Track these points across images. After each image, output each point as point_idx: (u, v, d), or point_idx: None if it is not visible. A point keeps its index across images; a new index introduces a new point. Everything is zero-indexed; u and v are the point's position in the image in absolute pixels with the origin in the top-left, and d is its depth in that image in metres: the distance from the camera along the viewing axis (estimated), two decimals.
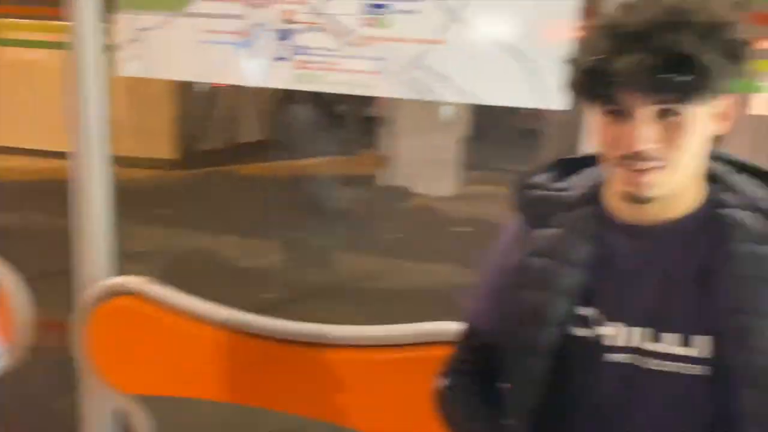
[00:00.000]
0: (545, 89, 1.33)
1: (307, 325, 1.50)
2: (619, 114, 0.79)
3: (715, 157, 0.89)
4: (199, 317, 1.56)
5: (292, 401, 1.55)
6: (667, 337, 0.85)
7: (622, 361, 0.87)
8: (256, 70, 1.55)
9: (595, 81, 0.77)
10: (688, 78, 0.73)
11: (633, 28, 0.74)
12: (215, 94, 8.04)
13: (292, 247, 4.94)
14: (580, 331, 0.89)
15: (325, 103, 8.71)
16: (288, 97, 8.23)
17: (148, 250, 4.58)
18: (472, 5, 1.35)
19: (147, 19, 1.58)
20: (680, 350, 0.84)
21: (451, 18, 1.36)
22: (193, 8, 1.54)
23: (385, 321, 1.51)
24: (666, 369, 0.85)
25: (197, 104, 7.76)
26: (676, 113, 0.77)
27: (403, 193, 6.67)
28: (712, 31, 0.74)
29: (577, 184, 0.94)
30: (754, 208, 0.84)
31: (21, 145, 7.20)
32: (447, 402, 1.01)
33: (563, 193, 0.93)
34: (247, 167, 7.68)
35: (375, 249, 4.98)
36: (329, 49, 1.46)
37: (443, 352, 1.36)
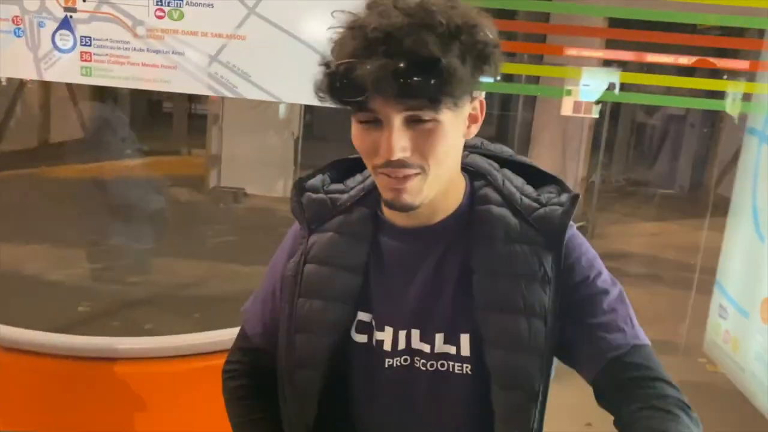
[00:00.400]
0: None
1: (95, 339, 1.38)
2: (371, 121, 0.76)
3: (482, 150, 0.91)
4: None
5: (88, 424, 1.43)
6: (434, 336, 0.84)
7: (397, 364, 0.86)
8: (35, 61, 1.40)
9: (343, 86, 0.74)
10: (432, 81, 0.70)
11: (378, 31, 0.71)
12: (19, 89, 7.23)
13: (110, 254, 4.60)
14: (360, 337, 0.88)
15: (150, 101, 8.22)
16: (108, 93, 7.66)
17: None
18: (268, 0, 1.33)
19: None
20: (446, 348, 0.84)
21: (248, 12, 1.33)
22: None
23: (213, 328, 1.44)
24: (436, 369, 0.85)
25: None
26: (427, 120, 0.74)
27: (236, 194, 6.49)
28: (456, 33, 0.72)
29: (354, 186, 0.91)
30: (512, 205, 0.84)
31: None
32: (227, 405, 0.97)
33: (339, 196, 0.91)
34: (60, 168, 7.00)
35: (204, 254, 4.79)
36: (118, 41, 1.37)
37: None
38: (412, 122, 0.75)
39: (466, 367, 0.84)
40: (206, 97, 7.06)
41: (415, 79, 0.70)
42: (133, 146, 7.08)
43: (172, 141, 8.17)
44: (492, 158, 0.91)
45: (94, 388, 1.37)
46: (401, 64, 0.70)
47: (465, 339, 0.84)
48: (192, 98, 8.37)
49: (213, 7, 1.34)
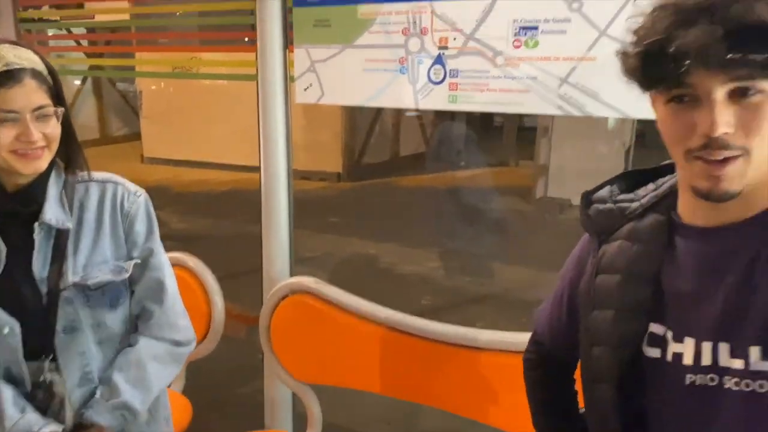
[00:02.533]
0: None
1: (461, 329, 1.61)
2: (686, 100, 0.71)
3: None
4: (363, 315, 1.74)
5: (446, 399, 1.68)
6: (749, 350, 0.74)
7: (700, 382, 0.77)
8: (413, 93, 1.71)
9: (657, 63, 0.69)
10: (765, 51, 0.64)
11: (696, 3, 0.67)
12: (378, 112, 8.47)
13: (449, 255, 5.09)
14: (652, 352, 0.82)
15: (482, 116, 8.79)
16: (445, 111, 8.42)
17: (321, 254, 5.00)
18: (620, 20, 1.39)
19: (320, 51, 1.81)
20: (762, 365, 0.73)
21: (599, 34, 1.42)
22: (359, 41, 1.74)
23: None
24: (746, 388, 0.74)
25: (361, 122, 8.24)
26: (755, 92, 0.67)
27: (561, 205, 6.53)
28: None
29: (645, 194, 0.87)
30: None
31: (213, 160, 8.19)
32: (526, 391, 1.08)
33: (628, 204, 0.87)
34: (407, 179, 7.98)
35: (530, 260, 4.96)
36: (479, 71, 1.58)
37: None
38: (736, 96, 0.68)
39: None
40: None
41: (743, 48, 0.64)
42: (468, 158, 7.67)
43: (502, 153, 8.59)
44: None
45: (459, 371, 1.61)
46: (727, 33, 0.64)
47: None
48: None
49: (566, 33, 1.46)
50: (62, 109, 1.11)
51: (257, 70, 1.88)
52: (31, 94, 1.05)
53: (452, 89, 1.64)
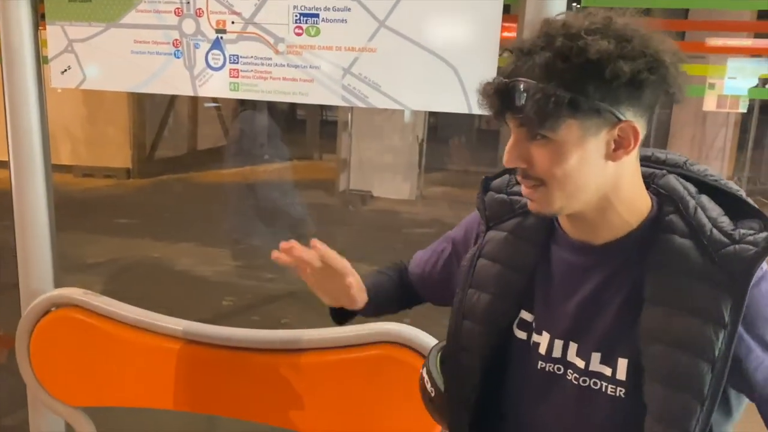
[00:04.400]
0: (471, 95, 1.38)
1: (246, 331, 1.52)
2: None
3: (684, 170, 0.86)
4: (140, 326, 1.56)
5: (240, 407, 1.57)
6: (591, 354, 0.85)
7: (549, 369, 0.89)
8: (190, 79, 1.56)
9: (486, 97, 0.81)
10: (516, 103, 0.75)
11: (513, 52, 0.79)
12: (171, 102, 7.95)
13: (251, 253, 4.93)
14: (520, 334, 0.93)
15: (286, 108, 8.70)
16: (246, 103, 8.18)
17: (106, 260, 4.54)
18: (398, 12, 1.39)
19: (79, 29, 1.59)
20: (601, 368, 0.84)
21: (379, 25, 1.40)
22: (126, 19, 1.55)
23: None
24: (588, 385, 0.86)
25: (152, 112, 7.67)
26: (539, 136, 0.78)
27: (364, 197, 6.71)
28: (563, 59, 0.74)
29: None
30: (698, 237, 0.79)
31: None
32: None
33: (519, 198, 0.94)
34: (206, 174, 7.61)
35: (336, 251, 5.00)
36: (261, 57, 1.49)
37: (383, 352, 1.42)
38: (530, 137, 0.79)
39: (620, 390, 0.83)
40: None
41: (502, 99, 0.77)
42: (270, 152, 7.53)
43: (306, 146, 8.59)
44: (693, 180, 0.85)
45: (252, 376, 1.52)
46: (502, 85, 0.77)
47: (623, 363, 0.83)
48: (323, 106, 8.76)
49: (346, 22, 1.42)
50: None
51: (0, 49, 1.59)
52: None
53: (233, 76, 1.53)
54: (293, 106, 10.17)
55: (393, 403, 1.42)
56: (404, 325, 1.46)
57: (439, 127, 9.27)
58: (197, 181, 7.46)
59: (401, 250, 5.11)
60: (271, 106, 8.27)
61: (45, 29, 1.62)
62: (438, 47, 1.39)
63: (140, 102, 7.22)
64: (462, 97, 1.40)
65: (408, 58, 1.41)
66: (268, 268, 4.64)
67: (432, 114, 7.76)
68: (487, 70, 1.37)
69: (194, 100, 8.25)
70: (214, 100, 8.41)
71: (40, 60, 1.63)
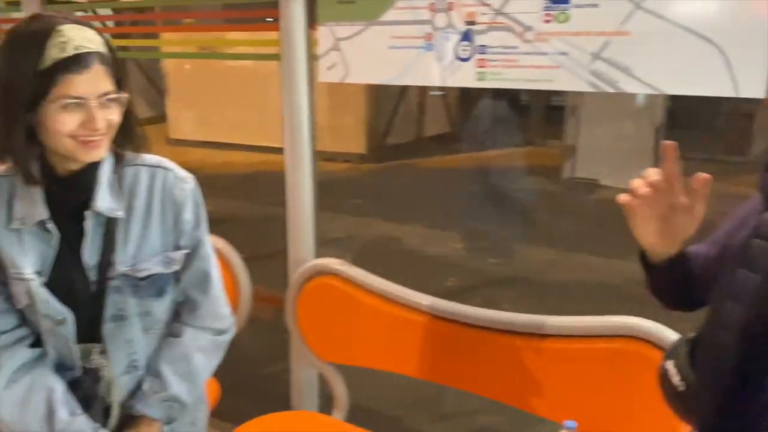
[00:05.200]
0: (739, 77, 1.28)
1: (487, 311, 1.59)
2: None
3: None
4: (388, 297, 1.73)
5: (471, 381, 1.66)
6: None
7: None
8: (440, 70, 1.67)
9: None
10: None
11: None
12: (402, 92, 8.39)
13: (473, 237, 5.05)
14: None
15: (509, 95, 8.68)
16: (470, 90, 8.32)
17: (344, 236, 5.00)
18: None
19: (345, 29, 1.78)
20: None
21: (635, 8, 1.36)
22: (384, 17, 1.70)
23: (560, 312, 1.55)
24: None
25: (386, 102, 8.18)
26: None
27: (590, 185, 6.43)
28: None
29: None
30: None
31: (237, 142, 8.23)
32: None
33: None
34: (431, 160, 7.93)
35: (556, 242, 4.90)
36: (508, 46, 1.53)
37: (625, 346, 1.40)
38: None
39: None
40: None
41: None
42: (494, 138, 7.58)
43: (529, 133, 8.48)
44: None
45: (487, 354, 1.60)
46: None
47: None
48: (551, 90, 8.56)
49: (598, 6, 1.40)
50: (126, 95, 1.07)
51: (280, 49, 1.85)
52: (98, 80, 1.01)
53: (480, 66, 1.60)
54: (517, 92, 10.07)
55: (633, 399, 1.39)
56: (648, 320, 1.41)
57: (679, 112, 8.48)
58: (423, 166, 7.80)
59: (631, 243, 4.81)
60: (497, 93, 8.31)
61: (315, 30, 1.84)
62: (701, 27, 1.30)
63: (375, 93, 7.75)
64: (727, 79, 1.30)
65: (665, 40, 1.34)
66: (492, 252, 4.72)
67: (671, 98, 7.13)
68: (758, 49, 1.25)
69: (423, 90, 8.60)
70: (441, 88, 8.69)
71: (311, 58, 1.86)
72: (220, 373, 2.02)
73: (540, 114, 8.77)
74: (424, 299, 1.68)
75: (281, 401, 2.08)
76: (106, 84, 1.03)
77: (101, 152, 1.07)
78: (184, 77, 8.93)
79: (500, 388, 1.61)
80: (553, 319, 1.51)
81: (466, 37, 1.60)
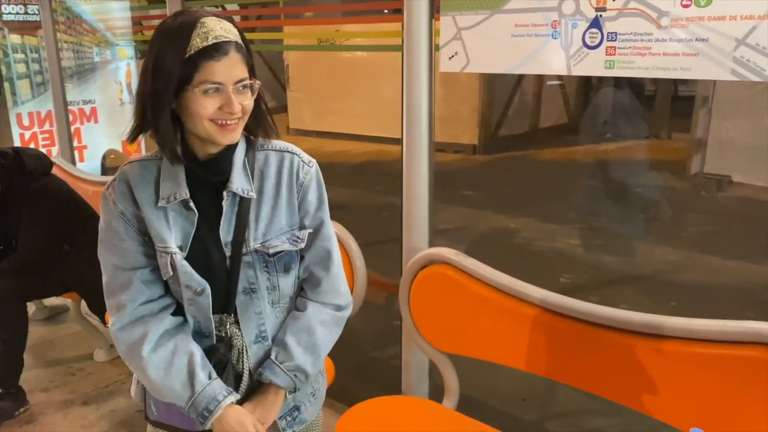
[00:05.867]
0: None
1: (606, 309, 1.54)
2: None
3: None
4: (502, 289, 1.71)
5: (584, 379, 1.61)
6: None
7: None
8: (565, 59, 1.62)
9: None
10: None
11: None
12: (518, 82, 8.20)
13: (591, 233, 4.86)
14: None
15: (632, 84, 8.23)
16: (591, 79, 7.99)
17: (454, 227, 5.00)
18: None
19: (467, 18, 1.77)
20: None
21: None
22: (509, 5, 1.68)
23: (683, 316, 1.47)
24: None
25: (500, 92, 8.03)
26: None
27: (720, 182, 5.98)
28: None
29: None
30: None
31: (353, 132, 8.43)
32: None
33: None
34: (547, 151, 7.70)
35: (681, 242, 4.61)
36: (641, 33, 1.46)
37: (754, 354, 1.30)
38: None
39: None
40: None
41: None
42: (614, 130, 7.23)
43: (653, 124, 8.01)
44: None
45: (605, 353, 1.55)
46: None
47: None
48: (678, 80, 8.02)
49: None
50: (258, 82, 1.15)
51: (402, 40, 1.88)
52: (234, 67, 1.09)
53: (609, 54, 1.54)
54: (642, 82, 9.53)
55: (763, 412, 1.29)
56: None
57: None
58: (538, 158, 7.60)
59: (765, 245, 4.44)
60: (619, 83, 7.91)
61: (438, 20, 1.85)
62: None
63: (490, 82, 7.64)
64: None
65: None
66: (610, 249, 4.53)
67: None
68: None
69: (540, 79, 8.36)
70: (559, 77, 8.40)
71: (432, 48, 1.87)
72: (334, 355, 2.11)
73: (665, 105, 8.25)
74: (537, 292, 1.65)
75: (392, 386, 2.13)
76: (242, 71, 1.11)
77: (236, 135, 1.15)
78: (304, 69, 9.26)
79: (615, 388, 1.55)
80: (672, 320, 1.43)
81: (596, 23, 1.54)
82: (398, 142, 1.98)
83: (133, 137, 1.15)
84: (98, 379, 2.79)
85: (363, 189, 6.26)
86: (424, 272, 1.90)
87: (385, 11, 2.24)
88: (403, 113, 1.93)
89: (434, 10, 1.83)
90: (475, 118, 7.74)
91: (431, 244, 2.00)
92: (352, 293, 2.08)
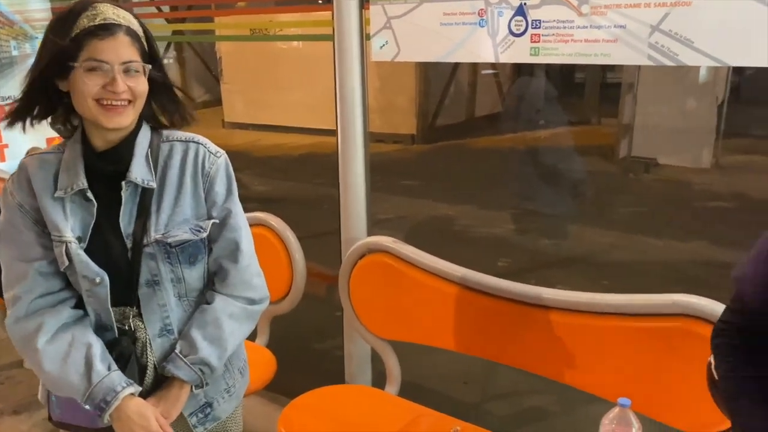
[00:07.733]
0: None
1: (535, 288, 1.59)
2: None
3: None
4: (440, 274, 1.74)
5: (522, 358, 1.66)
6: None
7: None
8: (493, 46, 1.65)
9: None
10: None
11: None
12: (453, 71, 8.30)
13: (527, 217, 4.99)
14: None
15: (563, 72, 8.47)
16: (523, 68, 8.16)
17: (394, 217, 5.03)
18: None
19: (397, 7, 1.78)
20: None
21: None
22: None
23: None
24: None
25: (436, 82, 8.11)
26: None
27: (647, 164, 6.25)
28: None
29: None
30: None
31: (290, 124, 8.34)
32: (716, 367, 1.01)
33: None
34: (483, 140, 7.84)
35: (612, 223, 4.79)
36: (563, 21, 1.51)
37: (679, 325, 1.37)
38: None
39: None
40: (621, 65, 6.94)
41: None
42: (547, 117, 7.43)
43: (583, 111, 8.27)
44: None
45: (532, 330, 1.61)
46: None
47: None
48: (605, 67, 8.30)
49: None
50: (149, 66, 1.14)
51: (333, 29, 1.87)
52: (121, 48, 1.10)
53: (534, 41, 1.57)
54: (571, 69, 9.82)
55: (687, 377, 1.37)
56: (702, 298, 1.38)
57: (743, 86, 8.11)
58: (474, 146, 7.73)
59: (690, 224, 4.67)
60: (549, 71, 8.12)
61: (367, 9, 1.85)
62: None
63: (426, 72, 7.70)
64: None
65: (729, 9, 1.30)
66: (545, 232, 4.66)
67: (734, 72, 6.83)
68: None
69: (474, 69, 8.49)
70: (492, 66, 8.56)
71: (363, 37, 1.87)
72: (276, 347, 2.10)
73: (595, 91, 8.54)
74: (475, 276, 1.68)
75: (335, 376, 2.13)
76: (131, 53, 1.11)
77: (123, 120, 1.14)
78: (238, 61, 9.08)
79: (552, 366, 1.61)
80: (605, 297, 1.50)
81: (520, 11, 1.58)
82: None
83: (11, 121, 1.16)
84: (29, 386, 2.68)
85: (303, 182, 6.22)
86: (363, 261, 1.91)
87: (319, 1, 2.23)
88: (337, 103, 1.93)
89: None
90: (413, 109, 7.80)
91: (370, 234, 2.01)
92: (290, 286, 2.08)
